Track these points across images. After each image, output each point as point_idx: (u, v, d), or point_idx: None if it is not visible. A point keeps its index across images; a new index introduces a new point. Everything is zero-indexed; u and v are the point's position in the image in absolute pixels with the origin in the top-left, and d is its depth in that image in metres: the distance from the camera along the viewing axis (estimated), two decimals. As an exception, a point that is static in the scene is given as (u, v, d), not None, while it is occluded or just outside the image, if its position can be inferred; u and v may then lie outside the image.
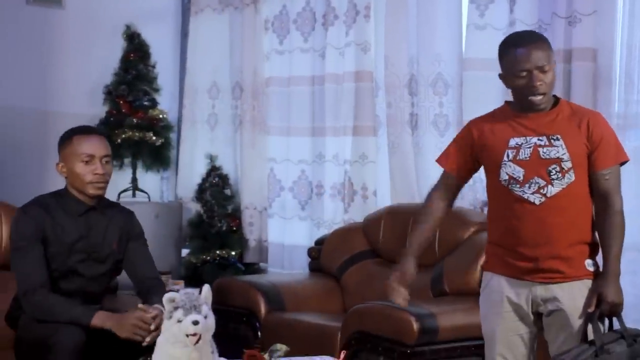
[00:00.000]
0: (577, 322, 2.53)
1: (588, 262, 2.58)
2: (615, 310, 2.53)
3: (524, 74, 2.54)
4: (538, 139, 2.56)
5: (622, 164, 2.61)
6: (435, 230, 2.82)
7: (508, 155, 2.59)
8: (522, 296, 2.61)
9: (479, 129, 2.69)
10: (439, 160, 2.80)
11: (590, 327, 2.49)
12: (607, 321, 2.56)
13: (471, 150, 2.69)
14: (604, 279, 2.53)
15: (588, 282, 2.57)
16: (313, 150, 4.77)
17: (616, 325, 2.56)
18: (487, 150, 2.65)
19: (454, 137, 2.82)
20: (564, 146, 2.54)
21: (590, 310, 2.51)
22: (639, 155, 3.51)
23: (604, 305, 2.50)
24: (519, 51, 2.56)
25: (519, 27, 3.84)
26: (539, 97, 2.55)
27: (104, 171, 3.01)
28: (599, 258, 2.63)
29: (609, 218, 2.54)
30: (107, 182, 3.05)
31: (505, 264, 2.65)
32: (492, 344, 2.69)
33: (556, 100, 2.63)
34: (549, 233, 2.56)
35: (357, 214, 4.48)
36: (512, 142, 2.59)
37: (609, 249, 2.54)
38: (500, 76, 2.67)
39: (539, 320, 2.64)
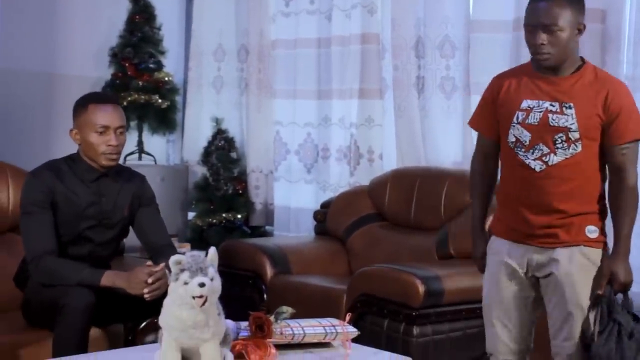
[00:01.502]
0: (567, 287, 2.51)
1: (589, 229, 2.53)
2: (626, 288, 2.51)
3: (530, 28, 2.47)
4: (550, 104, 2.50)
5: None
6: (490, 197, 2.77)
7: (518, 117, 2.55)
8: (519, 260, 2.61)
9: (500, 85, 2.64)
10: (470, 123, 2.77)
11: (598, 309, 2.47)
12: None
13: (493, 106, 2.64)
14: (613, 259, 2.49)
15: (585, 249, 2.52)
16: (319, 113, 4.75)
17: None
18: (501, 108, 2.61)
19: (482, 95, 2.75)
20: (574, 115, 2.46)
21: (600, 292, 2.47)
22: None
23: (615, 286, 2.48)
24: (531, 4, 2.48)
25: (527, -11, 3.80)
26: (541, 57, 2.47)
27: (117, 142, 2.99)
28: (608, 226, 2.60)
29: (621, 194, 2.49)
30: (120, 153, 3.04)
31: (507, 227, 2.65)
32: (490, 308, 2.70)
33: (582, 64, 2.52)
34: (547, 201, 2.52)
35: (363, 177, 4.48)
36: (525, 104, 2.54)
37: (620, 227, 2.50)
38: None
39: (538, 284, 2.63)
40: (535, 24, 2.45)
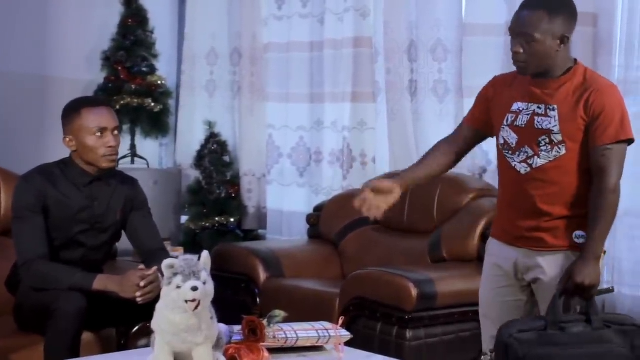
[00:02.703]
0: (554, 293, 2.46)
1: (577, 234, 2.48)
2: (585, 291, 2.40)
3: (510, 34, 2.47)
4: (537, 107, 2.49)
5: (629, 143, 2.46)
6: (432, 173, 2.71)
7: (507, 120, 2.55)
8: (508, 262, 2.61)
9: (496, 86, 2.64)
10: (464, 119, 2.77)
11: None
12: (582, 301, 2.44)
13: (486, 104, 2.64)
14: (580, 258, 2.42)
15: (572, 254, 2.48)
16: (312, 117, 4.76)
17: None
18: (494, 110, 2.62)
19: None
20: (556, 118, 2.45)
21: (558, 286, 2.41)
22: (638, 122, 3.48)
23: (570, 284, 2.40)
24: (517, 11, 2.47)
25: (520, -7, 3.81)
26: (516, 64, 2.46)
27: (115, 143, 2.98)
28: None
29: (599, 197, 2.42)
30: (117, 154, 3.03)
31: (500, 229, 2.66)
32: (483, 308, 2.71)
33: (572, 66, 2.49)
34: (532, 204, 2.51)
35: (356, 181, 4.48)
36: (515, 106, 2.54)
37: (593, 228, 2.42)
38: None
39: (530, 288, 2.61)
40: (515, 31, 2.45)
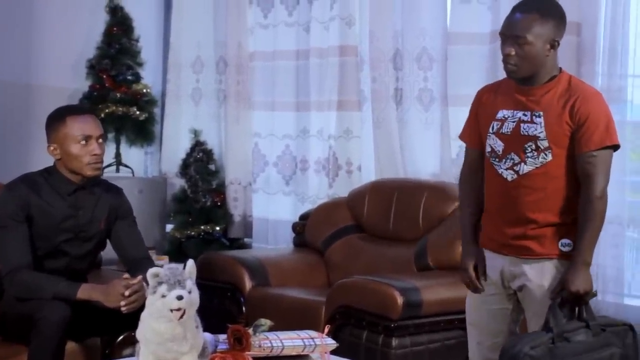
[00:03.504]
0: (542, 301, 2.48)
1: (563, 242, 2.50)
2: (580, 299, 2.43)
3: (502, 38, 2.48)
4: (523, 114, 2.51)
5: (615, 149, 2.48)
6: (480, 209, 2.69)
7: (493, 127, 2.56)
8: (495, 269, 2.62)
9: (482, 96, 2.66)
10: (459, 136, 2.77)
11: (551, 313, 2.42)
12: (577, 308, 2.46)
13: (476, 118, 2.66)
14: (571, 267, 2.44)
15: (558, 263, 2.50)
16: (297, 125, 4.76)
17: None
18: (481, 119, 2.63)
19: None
20: (542, 124, 2.46)
21: (551, 295, 2.44)
22: (621, 130, 3.51)
23: (566, 293, 2.42)
24: (509, 15, 2.48)
25: (504, 1, 3.83)
26: (508, 67, 2.47)
27: (100, 151, 2.97)
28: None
29: (587, 204, 2.44)
30: (102, 162, 3.03)
31: (487, 237, 2.66)
32: (467, 313, 2.72)
33: (557, 74, 2.51)
34: (518, 211, 2.52)
35: (342, 189, 4.49)
36: (500, 114, 2.55)
37: (582, 235, 2.44)
38: None
39: (516, 296, 2.62)
40: (506, 34, 2.46)
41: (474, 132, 2.68)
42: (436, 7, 4.19)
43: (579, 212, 2.47)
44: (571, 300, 2.43)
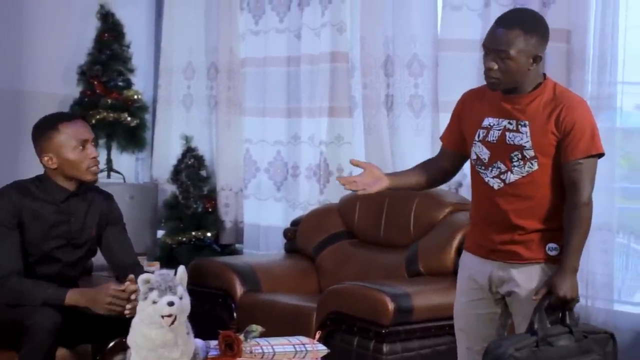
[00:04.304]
0: (531, 305, 2.49)
1: (550, 246, 2.52)
2: (566, 304, 2.45)
3: (484, 50, 2.48)
4: (508, 123, 2.51)
5: (600, 157, 2.50)
6: (410, 184, 2.76)
7: (479, 135, 2.57)
8: (483, 275, 2.62)
9: (466, 101, 2.66)
10: (440, 137, 2.79)
11: (537, 316, 2.43)
12: (560, 313, 2.48)
13: (458, 123, 2.67)
14: (558, 272, 2.45)
15: (546, 267, 2.52)
16: (289, 131, 4.76)
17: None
18: (465, 125, 2.64)
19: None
20: (528, 134, 2.47)
21: (536, 298, 2.45)
22: (611, 137, 3.55)
23: (553, 299, 2.44)
24: (492, 28, 2.49)
25: (494, 8, 3.86)
26: (488, 80, 2.48)
27: (97, 154, 2.98)
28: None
29: (573, 211, 2.46)
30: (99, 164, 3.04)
31: (474, 242, 2.68)
32: (455, 318, 2.73)
33: (542, 82, 2.52)
34: (505, 218, 2.53)
35: (333, 195, 4.49)
36: (486, 122, 2.56)
37: (568, 242, 2.46)
38: None
39: (504, 300, 2.63)
40: (488, 47, 2.47)
41: (454, 134, 2.70)
42: (427, 14, 4.20)
43: (564, 218, 2.48)
44: (557, 305, 2.45)
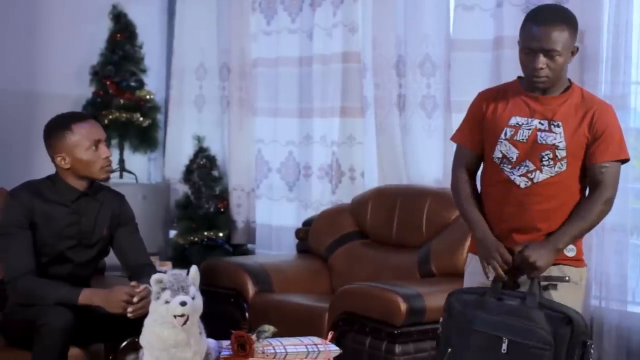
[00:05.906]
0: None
1: (568, 247, 2.52)
2: (530, 269, 2.45)
3: (528, 51, 2.48)
4: (540, 122, 2.52)
5: (624, 162, 2.54)
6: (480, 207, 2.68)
7: (506, 134, 2.56)
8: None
9: (487, 100, 2.64)
10: (453, 138, 2.74)
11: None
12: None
13: (480, 122, 2.63)
14: (541, 242, 2.47)
15: (564, 268, 2.52)
16: (301, 132, 4.76)
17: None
18: (488, 123, 2.61)
19: (467, 111, 2.73)
20: (562, 134, 2.49)
21: (517, 249, 2.48)
22: (626, 137, 3.49)
23: (520, 257, 2.45)
24: (532, 27, 2.47)
25: (507, 8, 3.84)
26: (539, 79, 2.48)
27: (110, 153, 3.00)
28: (586, 242, 2.60)
29: (590, 202, 2.49)
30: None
31: None
32: None
33: (569, 85, 2.56)
34: (528, 219, 2.53)
35: (345, 195, 4.49)
36: (513, 120, 2.55)
37: (570, 223, 2.48)
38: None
39: None
40: (536, 48, 2.46)
41: (475, 135, 2.66)
42: (439, 14, 4.19)
43: (578, 204, 2.51)
44: (523, 266, 2.47)
